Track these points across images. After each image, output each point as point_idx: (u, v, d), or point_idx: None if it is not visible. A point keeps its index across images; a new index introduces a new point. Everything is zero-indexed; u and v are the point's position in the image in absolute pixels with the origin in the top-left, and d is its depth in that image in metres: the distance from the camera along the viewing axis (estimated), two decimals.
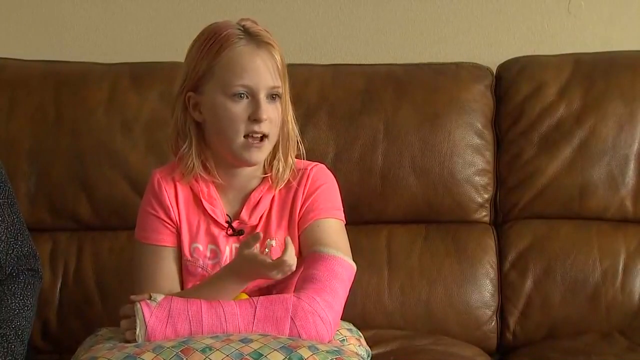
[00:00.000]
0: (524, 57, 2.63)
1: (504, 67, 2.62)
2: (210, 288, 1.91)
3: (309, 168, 2.02)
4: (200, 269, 1.99)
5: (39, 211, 2.54)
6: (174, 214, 1.99)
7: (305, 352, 1.73)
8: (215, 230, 1.99)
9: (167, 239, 1.99)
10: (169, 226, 1.99)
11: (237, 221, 2.00)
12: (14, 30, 2.86)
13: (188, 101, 1.97)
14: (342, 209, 2.04)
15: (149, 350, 1.73)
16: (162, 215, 1.99)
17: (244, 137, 1.92)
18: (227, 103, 1.92)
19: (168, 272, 1.98)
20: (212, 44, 1.93)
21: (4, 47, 2.79)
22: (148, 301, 1.85)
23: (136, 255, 2.02)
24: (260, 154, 1.95)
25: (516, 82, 2.57)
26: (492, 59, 2.66)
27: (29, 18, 2.86)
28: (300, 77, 2.46)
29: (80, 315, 2.46)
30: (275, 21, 2.75)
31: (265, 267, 1.83)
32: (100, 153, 2.53)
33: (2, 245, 2.19)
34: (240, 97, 1.92)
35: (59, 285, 2.50)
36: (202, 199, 1.99)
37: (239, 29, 1.94)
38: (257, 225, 1.99)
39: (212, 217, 1.99)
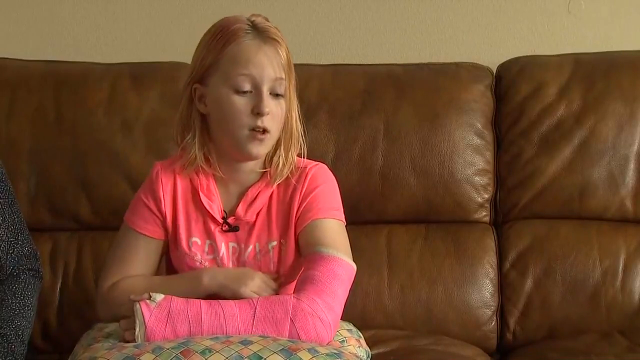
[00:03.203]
0: (524, 57, 2.63)
1: (504, 67, 2.62)
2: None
3: (308, 167, 2.02)
4: (198, 264, 2.00)
5: (39, 211, 2.54)
6: (164, 206, 2.00)
7: (304, 355, 1.72)
8: (212, 225, 2.00)
9: (151, 230, 2.01)
10: (157, 218, 2.01)
11: (233, 217, 2.00)
12: (14, 30, 2.86)
13: (194, 93, 1.98)
14: (342, 209, 2.04)
15: (148, 352, 1.72)
16: (152, 206, 2.00)
17: (247, 130, 1.93)
18: (231, 96, 1.93)
19: (143, 260, 2.01)
20: (220, 38, 1.94)
21: (4, 47, 2.79)
22: (147, 301, 1.85)
23: (119, 234, 2.05)
24: (262, 148, 1.95)
25: (516, 82, 2.57)
26: (492, 59, 2.66)
27: (29, 18, 2.86)
28: (300, 77, 2.43)
29: (80, 315, 2.46)
30: (276, 21, 2.73)
31: None
32: (100, 153, 2.53)
33: (2, 245, 2.19)
34: (245, 93, 1.93)
35: (59, 285, 2.50)
36: (200, 193, 1.99)
37: (248, 24, 1.96)
38: (254, 222, 2.00)
39: (208, 212, 1.99)
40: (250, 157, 1.97)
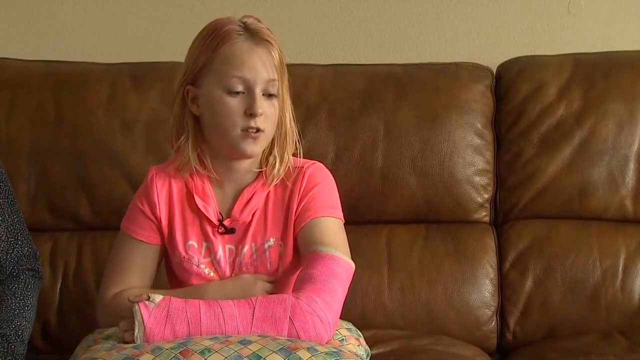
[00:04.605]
0: (524, 57, 2.63)
1: (504, 67, 2.62)
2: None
3: (305, 166, 2.03)
4: (195, 267, 2.00)
5: (39, 211, 2.54)
6: (159, 211, 2.00)
7: (304, 354, 1.72)
8: (209, 228, 2.00)
9: (147, 236, 2.01)
10: (152, 223, 2.01)
11: (229, 219, 2.00)
12: (14, 30, 2.86)
13: (187, 94, 1.98)
14: (341, 207, 2.04)
15: (147, 352, 1.72)
16: (147, 211, 2.01)
17: (240, 131, 1.93)
18: (224, 97, 1.93)
19: (141, 267, 2.01)
20: (212, 39, 1.94)
21: (4, 47, 2.79)
22: (146, 302, 1.85)
23: (117, 242, 2.06)
24: (256, 146, 1.95)
25: (516, 82, 2.57)
26: (492, 59, 2.66)
27: (29, 18, 2.86)
28: (300, 77, 2.46)
29: (80, 315, 2.46)
30: (275, 21, 2.73)
31: None
32: (100, 153, 2.53)
33: (2, 245, 2.19)
34: (237, 94, 1.93)
35: (59, 285, 2.51)
36: (195, 195, 1.99)
37: (240, 26, 1.96)
38: (250, 222, 1.99)
39: (204, 214, 1.99)
40: (244, 156, 1.97)
